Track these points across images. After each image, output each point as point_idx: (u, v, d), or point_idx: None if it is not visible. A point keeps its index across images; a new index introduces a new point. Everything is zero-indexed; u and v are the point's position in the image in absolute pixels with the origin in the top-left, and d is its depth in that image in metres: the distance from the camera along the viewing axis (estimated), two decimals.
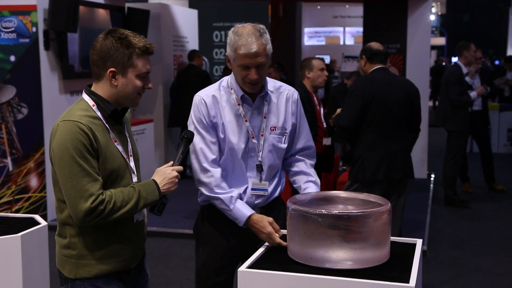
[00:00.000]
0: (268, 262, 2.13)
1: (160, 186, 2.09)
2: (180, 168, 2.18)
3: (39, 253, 2.59)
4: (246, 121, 2.42)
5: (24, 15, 5.42)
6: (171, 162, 2.20)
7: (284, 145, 2.51)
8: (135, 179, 2.14)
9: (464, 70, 6.31)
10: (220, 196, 2.43)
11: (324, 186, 5.26)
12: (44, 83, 5.56)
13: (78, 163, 1.92)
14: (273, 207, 2.59)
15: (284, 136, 2.50)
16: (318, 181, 2.61)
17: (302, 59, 11.77)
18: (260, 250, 2.24)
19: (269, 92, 2.47)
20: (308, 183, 2.58)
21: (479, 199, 6.81)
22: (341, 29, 16.96)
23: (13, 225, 2.63)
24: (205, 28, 11.12)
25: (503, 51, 27.07)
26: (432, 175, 7.74)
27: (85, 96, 2.08)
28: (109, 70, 2.02)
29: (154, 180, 2.11)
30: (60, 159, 1.93)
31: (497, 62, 20.82)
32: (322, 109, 4.72)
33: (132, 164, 2.14)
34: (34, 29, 5.45)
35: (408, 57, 7.72)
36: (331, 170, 4.89)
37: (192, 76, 7.70)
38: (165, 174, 2.12)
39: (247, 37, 2.31)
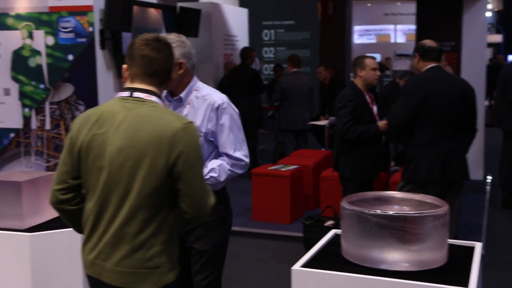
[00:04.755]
0: (322, 261, 2.13)
1: None
2: None
3: None
4: None
5: (81, 16, 5.57)
6: None
7: None
8: None
9: None
10: None
11: (376, 187, 5.19)
12: (100, 81, 5.70)
13: (203, 162, 2.04)
14: None
15: None
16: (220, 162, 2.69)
17: (352, 57, 11.61)
18: (314, 249, 2.23)
19: (193, 96, 2.70)
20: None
21: None
22: (392, 26, 16.69)
23: None
24: (255, 26, 11.18)
25: None
26: (489, 177, 7.51)
27: (159, 101, 2.04)
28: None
29: None
30: (197, 161, 1.96)
31: None
32: (375, 107, 4.65)
33: None
34: (90, 29, 5.59)
35: (463, 55, 7.52)
36: (387, 169, 4.83)
37: (244, 75, 7.74)
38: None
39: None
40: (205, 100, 2.69)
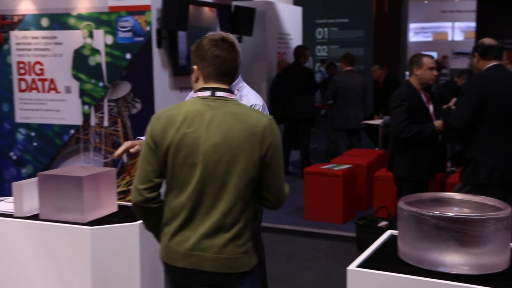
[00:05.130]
0: (378, 262, 2.11)
1: None
2: None
3: (155, 241, 2.72)
4: None
5: (139, 15, 5.69)
6: None
7: None
8: None
9: None
10: None
11: (431, 188, 5.08)
12: (156, 79, 5.81)
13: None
14: None
15: None
16: None
17: (407, 56, 11.35)
18: (370, 250, 2.21)
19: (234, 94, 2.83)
20: None
21: None
22: (449, 24, 16.28)
23: (131, 213, 2.77)
24: (308, 25, 11.13)
25: None
26: None
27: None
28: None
29: None
30: (281, 152, 2.13)
31: None
32: (431, 106, 4.55)
33: None
34: (148, 28, 5.70)
35: None
36: (444, 170, 4.72)
37: (297, 73, 7.72)
38: None
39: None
40: (241, 101, 2.76)
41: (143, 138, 2.84)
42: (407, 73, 4.62)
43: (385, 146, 7.00)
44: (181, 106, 2.12)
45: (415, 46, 15.45)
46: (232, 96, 2.15)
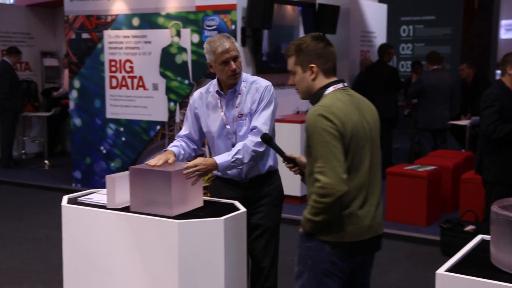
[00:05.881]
0: (469, 267, 2.04)
1: None
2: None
3: (238, 237, 2.77)
4: (222, 111, 3.02)
5: (225, 14, 5.80)
6: None
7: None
8: None
9: None
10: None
11: None
12: None
13: None
14: (265, 179, 3.08)
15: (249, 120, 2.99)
16: (233, 152, 2.89)
17: (498, 54, 10.84)
18: (459, 254, 2.14)
19: (243, 86, 2.99)
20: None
21: None
22: None
23: (215, 209, 2.84)
24: (393, 22, 10.89)
25: None
26: None
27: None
28: None
29: None
30: None
31: None
32: None
33: None
34: (233, 27, 5.80)
35: None
36: None
37: (380, 72, 7.57)
38: None
39: (218, 40, 2.92)
40: (252, 86, 3.00)
41: (171, 148, 3.01)
42: (497, 72, 4.38)
43: (473, 147, 6.73)
44: (335, 98, 2.35)
45: (506, 43, 14.71)
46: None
